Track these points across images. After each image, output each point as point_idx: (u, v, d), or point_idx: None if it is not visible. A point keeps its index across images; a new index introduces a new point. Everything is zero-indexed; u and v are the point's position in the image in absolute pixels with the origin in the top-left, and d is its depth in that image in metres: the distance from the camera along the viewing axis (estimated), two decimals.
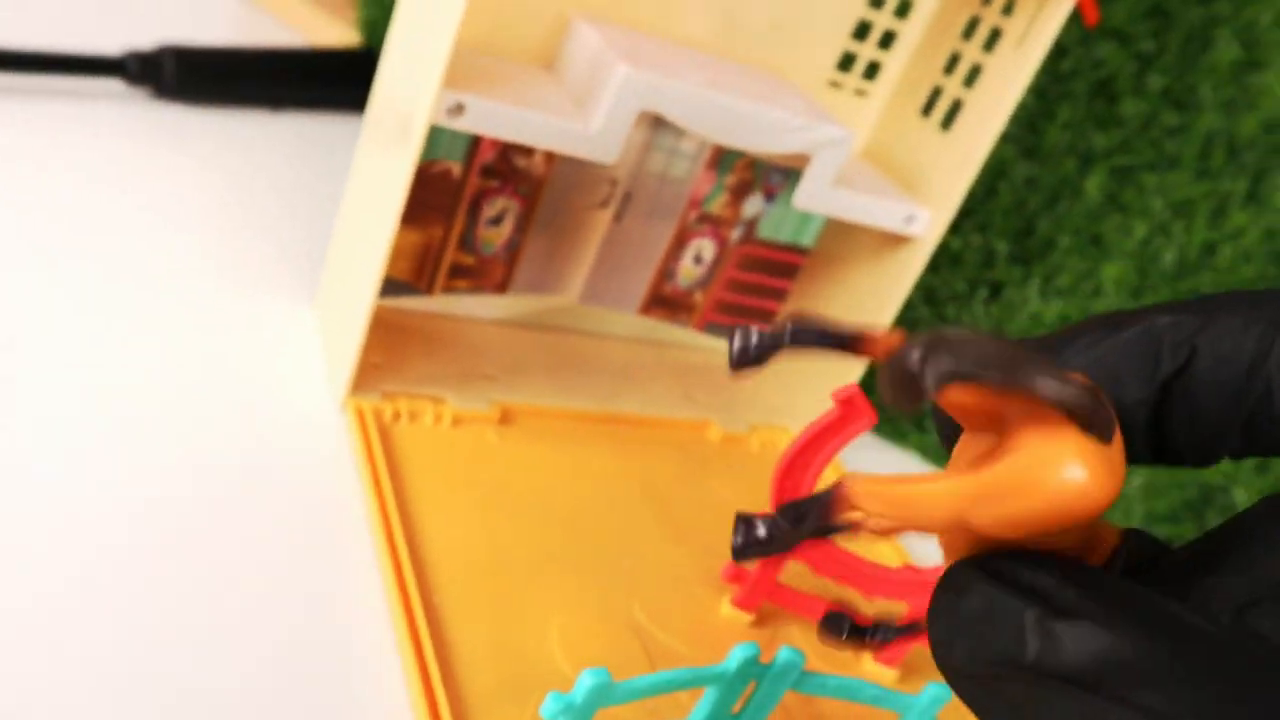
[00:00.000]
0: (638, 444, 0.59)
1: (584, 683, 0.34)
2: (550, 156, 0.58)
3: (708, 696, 0.40)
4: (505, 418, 0.56)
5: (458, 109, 0.46)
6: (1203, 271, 0.64)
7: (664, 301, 0.67)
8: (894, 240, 0.63)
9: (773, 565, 0.48)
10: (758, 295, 0.69)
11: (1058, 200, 0.67)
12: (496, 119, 0.47)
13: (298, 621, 0.41)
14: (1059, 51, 0.66)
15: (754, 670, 0.39)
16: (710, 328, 0.70)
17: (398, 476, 0.49)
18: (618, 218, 0.62)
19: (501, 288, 0.62)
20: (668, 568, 0.51)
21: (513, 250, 0.61)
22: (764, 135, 0.53)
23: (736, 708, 0.41)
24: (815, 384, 0.67)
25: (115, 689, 0.36)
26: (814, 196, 0.56)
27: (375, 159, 0.51)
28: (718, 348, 0.71)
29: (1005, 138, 0.67)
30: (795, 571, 0.51)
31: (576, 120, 0.49)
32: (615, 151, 0.50)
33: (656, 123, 0.59)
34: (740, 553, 0.25)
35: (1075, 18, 0.64)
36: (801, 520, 0.24)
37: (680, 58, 0.54)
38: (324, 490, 0.47)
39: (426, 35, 0.46)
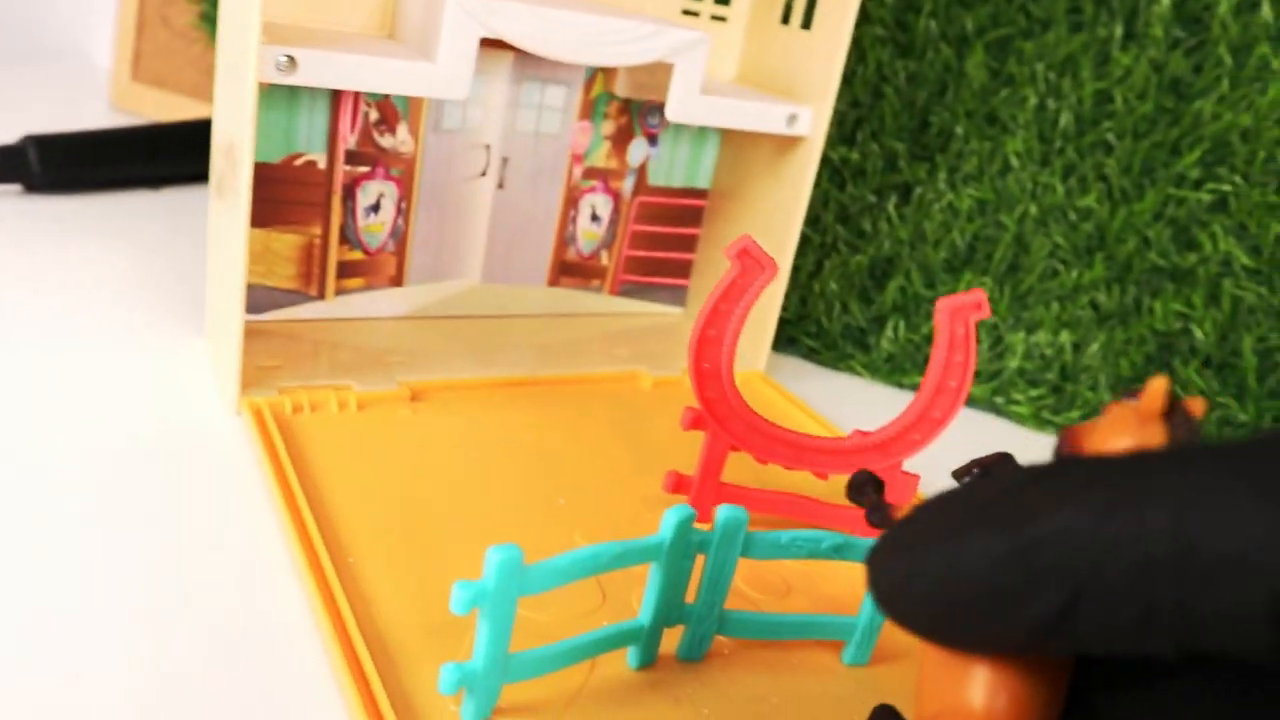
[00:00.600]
0: (565, 399, 0.56)
1: (492, 562, 0.31)
2: (416, 129, 0.57)
3: (652, 580, 0.36)
4: (417, 395, 0.53)
5: (289, 63, 0.45)
6: (1103, 121, 0.63)
7: (571, 269, 0.65)
8: (786, 149, 0.61)
9: (714, 466, 0.45)
10: (665, 246, 0.67)
11: (944, 89, 0.66)
12: (334, 69, 0.46)
13: (216, 617, 0.38)
14: None
15: (695, 538, 0.36)
16: (626, 289, 0.67)
17: (302, 461, 0.46)
18: (501, 185, 0.60)
19: (397, 280, 0.60)
20: (607, 499, 0.48)
21: (399, 238, 0.59)
22: (613, 47, 0.51)
23: (690, 594, 0.37)
24: (751, 326, 0.64)
25: (34, 689, 0.32)
26: (684, 105, 0.55)
27: (222, 170, 0.49)
28: (638, 310, 0.68)
29: (878, 39, 0.66)
30: (739, 468, 0.48)
31: (419, 59, 0.48)
32: (465, 85, 0.48)
33: (517, 76, 0.58)
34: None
35: None
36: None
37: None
38: (227, 487, 0.44)
39: (242, 12, 0.44)
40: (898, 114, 0.66)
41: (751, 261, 0.41)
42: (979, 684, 0.18)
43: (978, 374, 0.65)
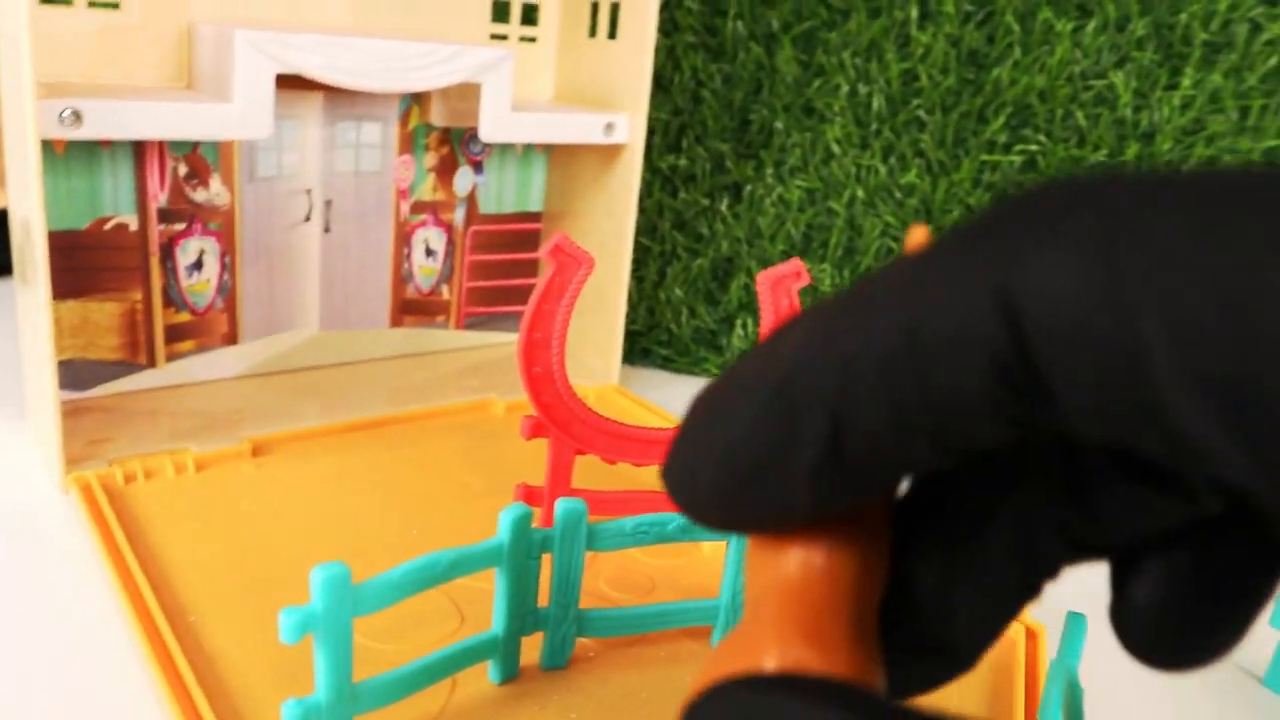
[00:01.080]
0: (416, 435, 0.55)
1: (317, 581, 0.30)
2: (230, 180, 0.55)
3: (499, 586, 0.35)
4: (260, 450, 0.51)
5: (74, 117, 0.43)
6: (912, 99, 0.65)
7: (413, 308, 0.64)
8: (610, 160, 0.61)
9: (561, 471, 0.44)
10: (506, 274, 0.67)
11: (759, 87, 0.67)
12: (123, 118, 0.44)
13: (56, 700, 0.35)
14: None
15: (537, 537, 0.35)
16: (471, 322, 0.66)
17: (136, 528, 0.44)
18: (327, 229, 0.59)
19: (231, 338, 0.58)
20: (461, 523, 0.47)
21: (228, 294, 0.57)
22: (416, 73, 0.51)
23: (543, 597, 0.36)
24: (600, 341, 0.64)
25: None
26: (497, 125, 0.55)
27: (22, 244, 0.47)
28: (486, 341, 0.68)
29: (690, 45, 0.67)
30: (594, 474, 0.48)
31: (216, 100, 0.47)
32: (264, 124, 0.48)
33: (330, 116, 0.57)
34: None
35: None
36: None
37: (319, 34, 0.52)
38: (60, 566, 0.42)
39: (14, 70, 0.43)
40: (718, 116, 0.67)
41: (566, 258, 0.41)
42: (793, 554, 0.18)
43: None
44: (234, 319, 0.58)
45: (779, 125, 0.67)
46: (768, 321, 0.44)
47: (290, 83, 0.52)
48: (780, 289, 0.43)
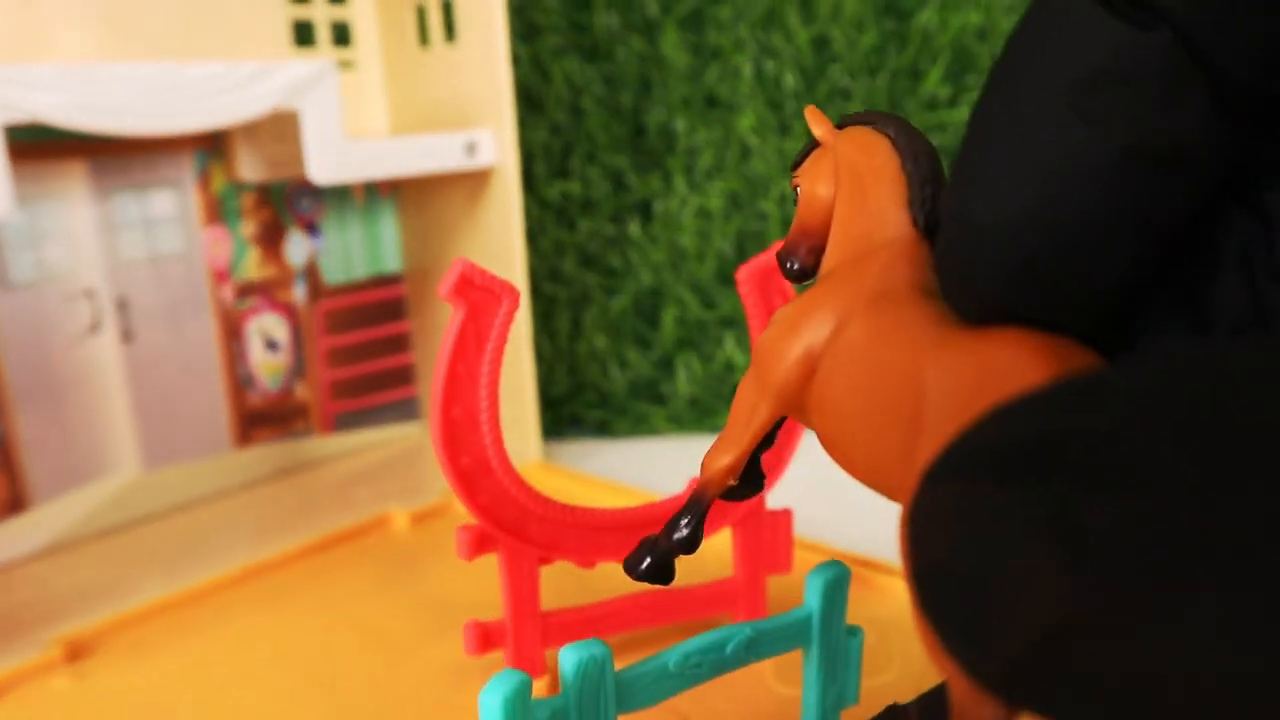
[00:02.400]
0: (303, 579, 0.41)
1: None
2: None
3: None
4: (77, 653, 0.36)
5: None
6: (828, 66, 0.55)
7: (261, 418, 0.50)
8: (479, 193, 0.49)
9: (525, 596, 0.31)
10: (374, 354, 0.53)
11: (649, 84, 0.56)
12: None
13: None
14: None
15: (542, 713, 0.22)
16: (342, 421, 0.53)
17: None
18: (127, 338, 0.45)
19: (15, 505, 0.43)
20: (400, 691, 0.33)
21: (0, 447, 0.42)
22: (204, 102, 0.38)
23: None
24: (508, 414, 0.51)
25: None
26: (331, 160, 0.42)
27: None
28: (365, 442, 0.54)
29: (558, 49, 0.56)
30: (559, 586, 0.35)
31: None
32: (7, 201, 0.33)
33: (100, 188, 0.43)
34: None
35: None
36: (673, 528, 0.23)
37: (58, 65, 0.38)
38: None
39: None
40: (607, 125, 0.56)
41: (477, 294, 0.28)
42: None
43: None
44: (16, 479, 0.42)
45: (680, 124, 0.56)
46: (759, 328, 0.32)
47: (35, 151, 0.39)
48: (771, 285, 0.32)
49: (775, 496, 0.35)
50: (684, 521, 0.23)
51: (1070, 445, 0.12)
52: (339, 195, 0.51)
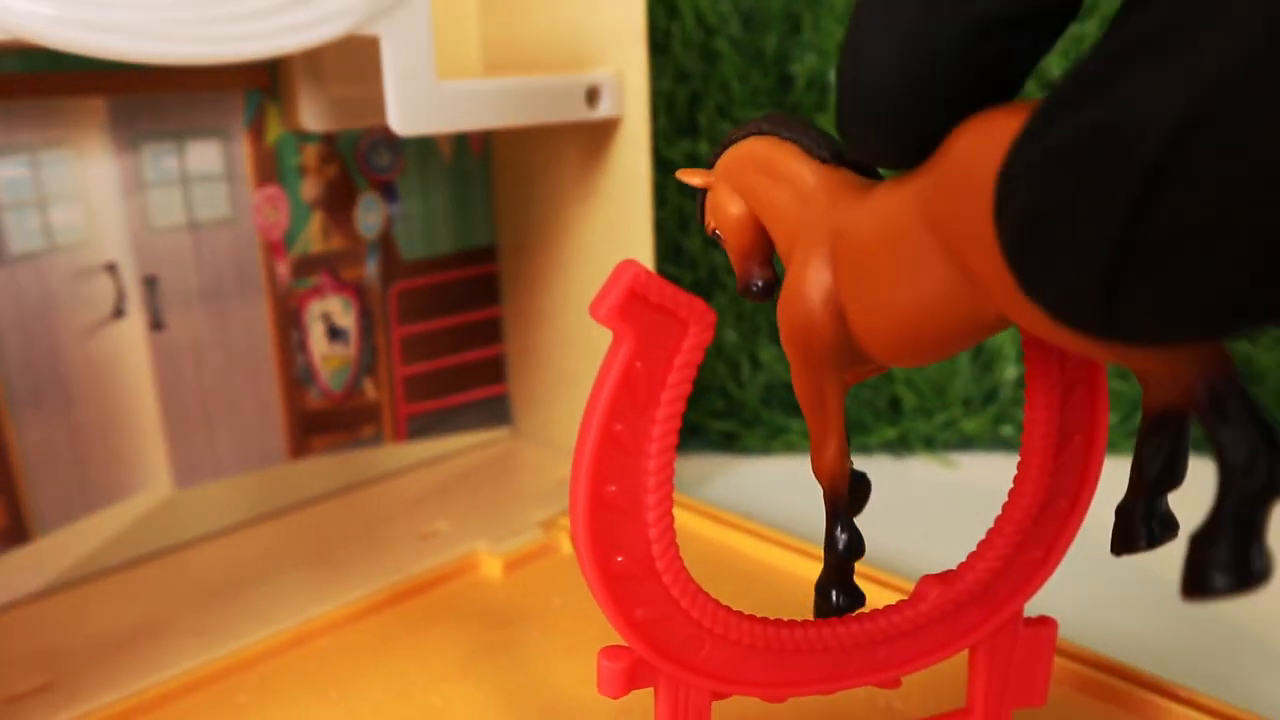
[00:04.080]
0: (362, 653, 0.32)
1: None
2: None
3: None
4: None
5: None
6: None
7: (321, 423, 0.41)
8: (596, 152, 0.39)
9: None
10: (457, 346, 0.44)
11: (798, 25, 0.46)
12: None
13: None
14: None
15: None
16: (417, 425, 0.43)
17: None
18: (157, 325, 0.36)
19: (17, 535, 0.34)
20: None
21: None
22: (255, 23, 0.28)
23: None
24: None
25: None
26: (419, 105, 0.32)
27: None
28: (443, 450, 0.45)
29: None
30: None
31: None
32: None
33: (126, 134, 0.34)
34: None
35: None
36: None
37: None
38: None
39: None
40: (745, 73, 0.45)
41: (654, 315, 0.18)
42: None
43: (965, 402, 0.45)
44: (15, 503, 0.34)
45: (835, 75, 0.45)
46: (1044, 372, 0.22)
47: (39, 84, 0.30)
48: None
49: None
50: (836, 532, 0.23)
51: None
52: (422, 151, 0.41)
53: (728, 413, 0.46)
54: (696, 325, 0.19)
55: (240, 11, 0.28)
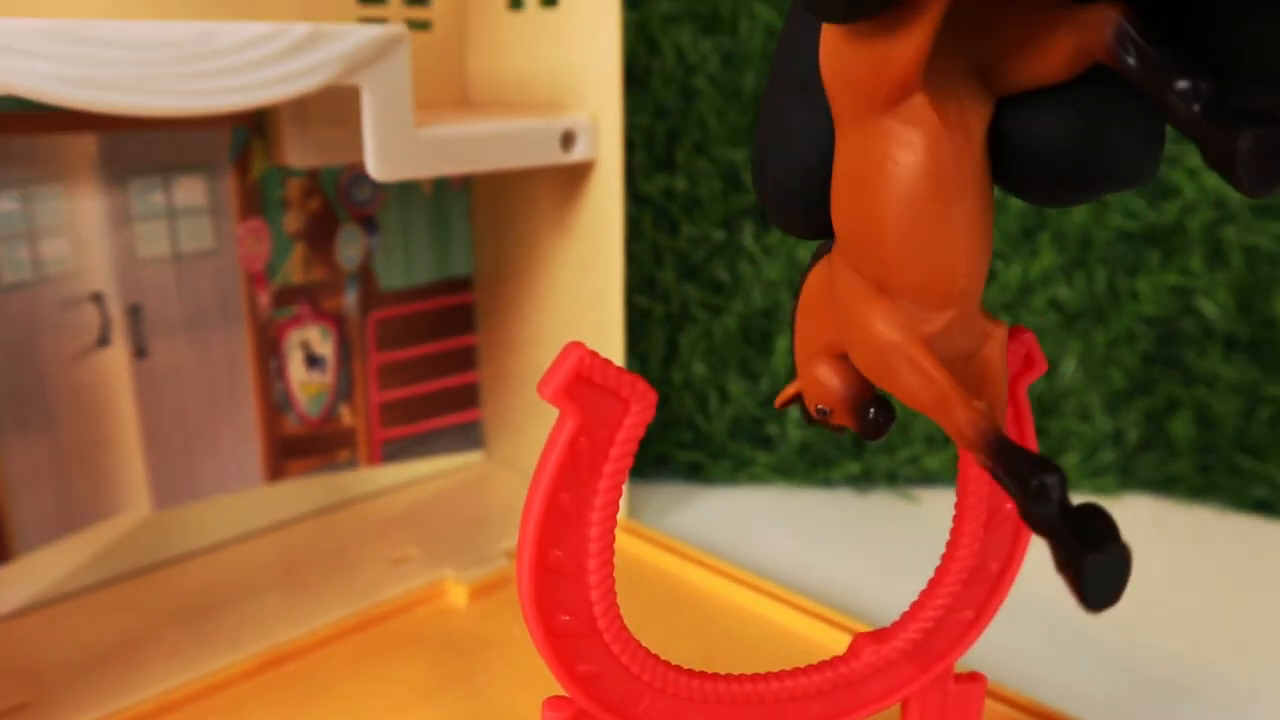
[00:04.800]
0: (332, 678, 0.33)
1: None
2: None
3: None
4: None
5: None
6: None
7: (298, 447, 0.42)
8: (572, 190, 0.40)
9: None
10: (433, 373, 0.45)
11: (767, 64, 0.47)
12: None
13: None
14: None
15: None
16: (391, 450, 0.45)
17: None
18: (141, 352, 0.37)
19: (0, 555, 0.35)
20: None
21: None
22: (238, 76, 0.29)
23: None
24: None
25: None
26: (396, 151, 0.33)
27: None
28: (416, 474, 0.46)
29: (670, 17, 0.47)
30: None
31: None
32: None
33: (114, 171, 0.35)
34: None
35: None
36: None
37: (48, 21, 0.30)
38: None
39: None
40: (723, 111, 0.47)
41: (598, 395, 0.20)
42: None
43: (927, 440, 0.46)
44: None
45: None
46: None
47: (32, 122, 0.31)
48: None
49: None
50: (1025, 473, 0.17)
51: None
52: (402, 185, 0.42)
53: (695, 444, 0.47)
54: (638, 404, 0.20)
55: (228, 66, 0.29)
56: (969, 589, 0.24)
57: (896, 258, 0.18)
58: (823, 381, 0.22)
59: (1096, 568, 0.16)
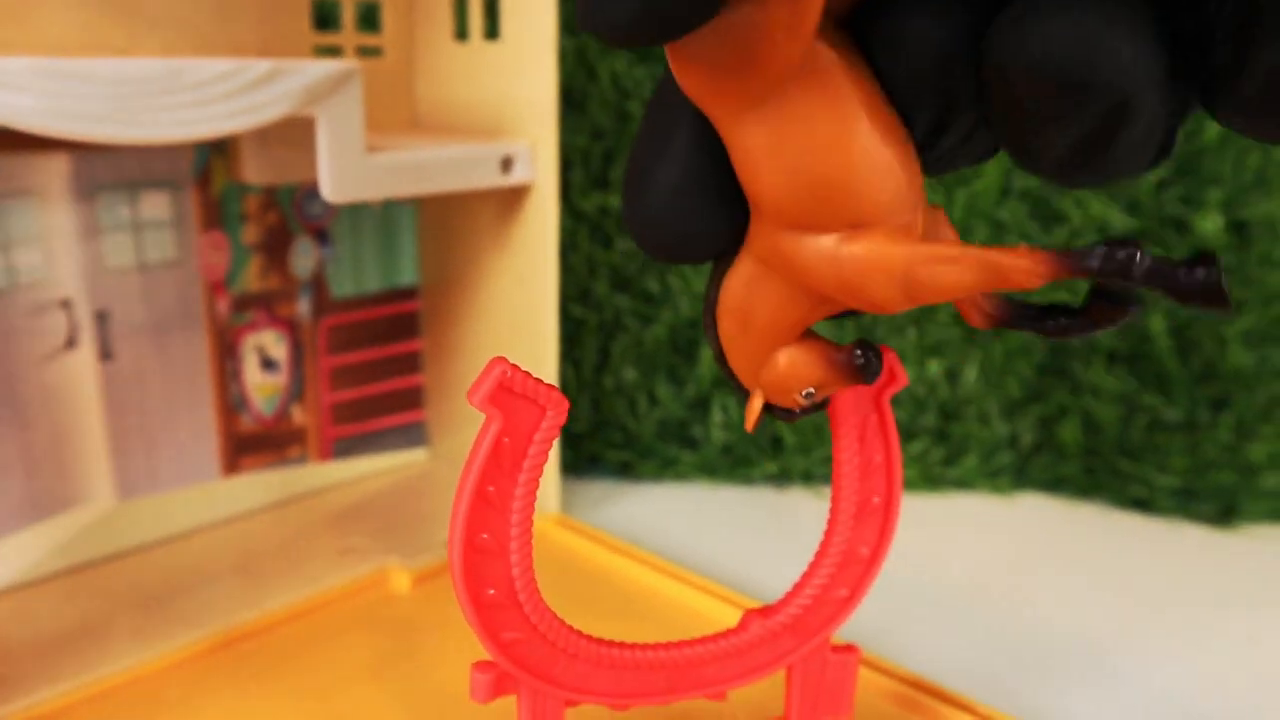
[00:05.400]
0: (283, 657, 0.36)
1: None
2: None
3: None
4: None
5: None
6: None
7: (252, 444, 0.45)
8: (512, 207, 0.44)
9: None
10: (380, 375, 0.48)
11: None
12: None
13: None
14: None
15: None
16: (341, 447, 0.48)
17: None
18: (107, 355, 0.40)
19: None
20: None
21: None
22: (205, 108, 0.32)
23: None
24: None
25: None
26: (347, 177, 0.36)
27: None
28: (363, 470, 0.49)
29: (607, 49, 0.50)
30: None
31: None
32: None
33: (85, 185, 0.38)
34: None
35: None
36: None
37: (31, 58, 0.33)
38: None
39: None
40: None
41: (517, 403, 0.23)
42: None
43: None
44: None
45: None
46: (849, 448, 0.27)
47: (8, 140, 0.33)
48: (865, 399, 0.27)
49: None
50: (1117, 252, 0.18)
51: None
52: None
53: (624, 444, 0.50)
54: (553, 410, 0.23)
55: (195, 99, 0.32)
56: (843, 570, 0.28)
57: (866, 189, 0.18)
58: (798, 365, 0.22)
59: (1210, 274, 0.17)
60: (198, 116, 0.32)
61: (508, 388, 0.23)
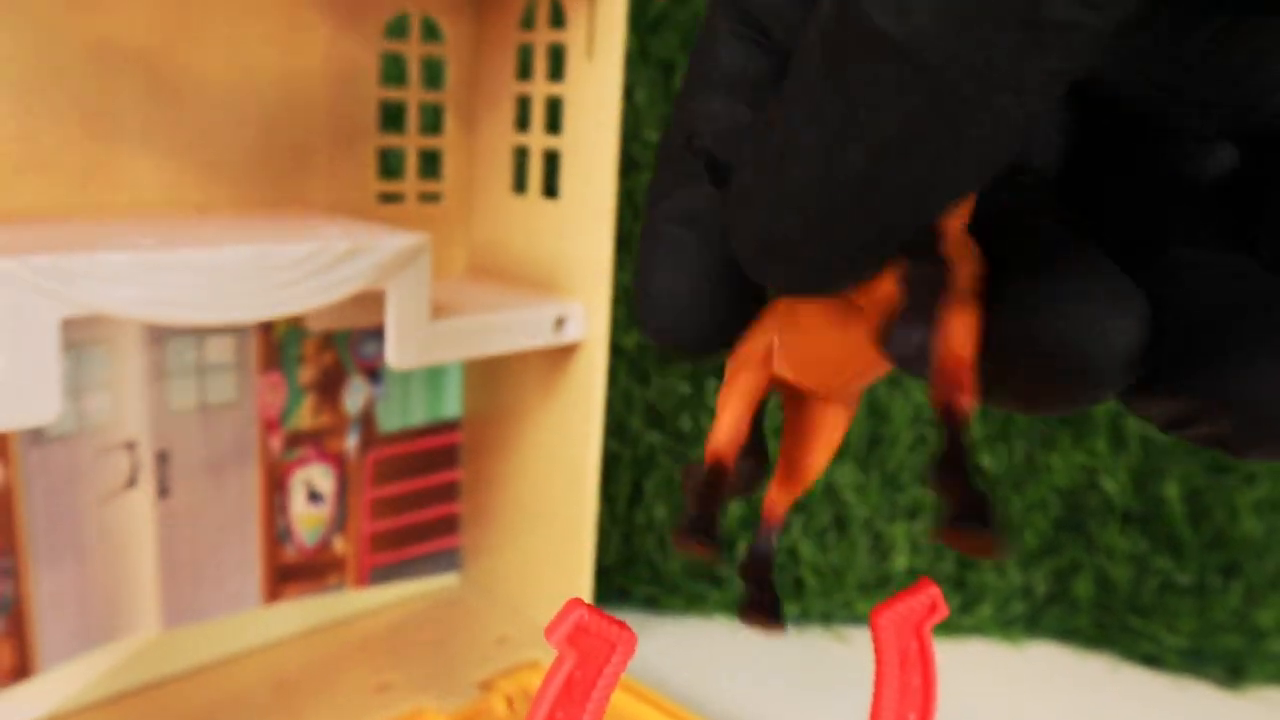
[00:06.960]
0: None
1: None
2: (4, 448, 0.37)
3: None
4: None
5: None
6: None
7: (294, 573, 0.46)
8: (559, 358, 0.45)
9: None
10: (419, 505, 0.50)
11: None
12: None
13: None
14: (650, 27, 0.52)
15: None
16: (377, 574, 0.49)
17: None
18: (164, 492, 0.41)
19: (20, 670, 0.39)
20: None
21: (9, 611, 0.38)
22: (289, 290, 0.34)
23: None
24: (562, 586, 0.48)
25: None
26: (411, 344, 0.38)
27: None
28: (397, 596, 0.50)
29: (638, 190, 0.52)
30: None
31: None
32: (55, 402, 0.30)
33: (156, 333, 0.39)
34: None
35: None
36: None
37: (126, 228, 0.35)
38: None
39: None
40: None
41: (593, 641, 0.25)
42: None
43: (860, 587, 0.51)
44: (24, 644, 0.39)
45: None
46: (891, 673, 0.28)
47: None
48: (907, 630, 0.28)
49: None
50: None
51: None
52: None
53: (652, 579, 0.52)
54: (623, 647, 0.25)
55: (279, 281, 0.34)
56: None
57: None
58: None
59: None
60: (284, 297, 0.34)
61: (584, 629, 0.24)
